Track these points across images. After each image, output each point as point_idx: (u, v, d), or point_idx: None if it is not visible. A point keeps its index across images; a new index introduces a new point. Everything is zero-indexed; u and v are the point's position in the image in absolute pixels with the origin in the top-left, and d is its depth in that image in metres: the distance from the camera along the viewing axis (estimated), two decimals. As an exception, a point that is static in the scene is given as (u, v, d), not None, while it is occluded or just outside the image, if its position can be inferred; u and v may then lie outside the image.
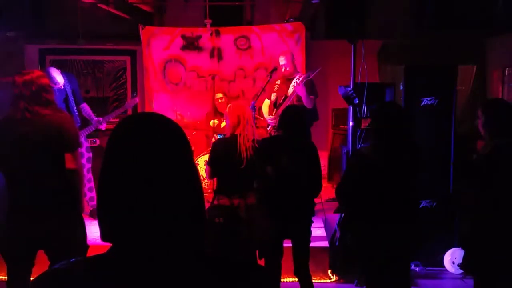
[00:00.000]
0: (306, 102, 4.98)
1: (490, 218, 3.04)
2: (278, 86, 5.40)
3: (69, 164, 3.09)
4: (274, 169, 3.40)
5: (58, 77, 4.98)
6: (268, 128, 5.43)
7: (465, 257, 3.21)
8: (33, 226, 2.99)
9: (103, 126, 5.28)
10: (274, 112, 5.36)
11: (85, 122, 5.38)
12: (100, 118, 5.25)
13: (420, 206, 4.42)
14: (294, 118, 3.53)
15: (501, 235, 2.98)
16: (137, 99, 5.84)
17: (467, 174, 3.39)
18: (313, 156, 3.52)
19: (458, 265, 4.37)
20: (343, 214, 4.22)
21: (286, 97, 5.22)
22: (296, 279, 3.59)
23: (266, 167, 3.44)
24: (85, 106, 5.33)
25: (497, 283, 3.04)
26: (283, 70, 5.31)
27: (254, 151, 3.46)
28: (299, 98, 5.06)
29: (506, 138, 3.03)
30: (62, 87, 5.07)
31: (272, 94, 5.44)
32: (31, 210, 3.00)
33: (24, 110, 2.99)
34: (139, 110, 6.42)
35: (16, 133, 2.99)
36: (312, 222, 3.59)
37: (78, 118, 5.26)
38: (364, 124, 4.39)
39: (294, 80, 5.08)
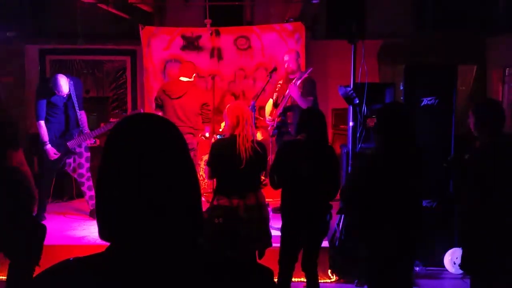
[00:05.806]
0: (300, 103, 4.96)
1: (482, 216, 3.05)
2: (280, 86, 5.39)
3: (12, 162, 3.08)
4: (298, 173, 3.40)
5: (64, 86, 4.95)
6: (269, 128, 5.42)
7: (463, 257, 3.21)
8: None
9: (90, 141, 5.17)
10: (273, 112, 5.35)
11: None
12: (90, 132, 5.17)
13: (421, 206, 4.41)
14: (316, 121, 3.53)
15: (493, 232, 2.99)
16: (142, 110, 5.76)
17: (457, 173, 3.40)
18: (334, 160, 3.56)
19: (458, 265, 4.36)
20: (343, 215, 4.22)
21: (283, 97, 5.22)
22: (297, 279, 3.58)
23: (287, 171, 3.44)
24: (82, 114, 5.23)
25: (494, 283, 3.04)
26: (285, 66, 5.31)
27: (254, 151, 3.45)
28: (294, 99, 5.05)
29: (494, 137, 3.04)
30: (65, 95, 5.05)
31: (274, 94, 5.44)
32: None
33: None
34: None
35: None
36: (331, 218, 3.60)
37: (75, 122, 5.21)
38: (370, 123, 4.36)
39: (294, 80, 5.08)
